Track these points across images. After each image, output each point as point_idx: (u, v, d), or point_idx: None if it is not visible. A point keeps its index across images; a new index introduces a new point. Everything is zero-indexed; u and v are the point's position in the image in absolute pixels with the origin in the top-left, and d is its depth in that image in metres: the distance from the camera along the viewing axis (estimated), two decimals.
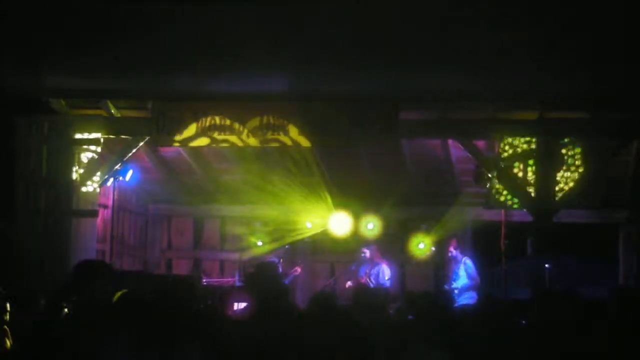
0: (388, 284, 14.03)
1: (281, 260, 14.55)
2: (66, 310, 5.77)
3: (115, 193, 13.51)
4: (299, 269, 14.90)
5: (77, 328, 5.43)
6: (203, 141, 12.24)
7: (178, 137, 12.23)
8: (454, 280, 13.79)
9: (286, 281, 14.14)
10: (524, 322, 7.29)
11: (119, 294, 5.87)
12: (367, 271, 14.03)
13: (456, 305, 12.16)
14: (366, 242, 14.61)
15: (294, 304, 7.23)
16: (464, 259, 13.94)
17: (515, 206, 12.26)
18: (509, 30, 8.92)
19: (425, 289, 12.91)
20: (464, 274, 13.81)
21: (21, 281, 10.91)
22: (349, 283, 14.25)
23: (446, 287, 13.81)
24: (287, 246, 15.09)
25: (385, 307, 8.01)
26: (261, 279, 6.23)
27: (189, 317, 5.74)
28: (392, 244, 15.34)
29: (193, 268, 15.76)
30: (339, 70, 10.26)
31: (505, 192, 12.27)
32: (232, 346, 5.72)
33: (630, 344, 6.36)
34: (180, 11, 8.66)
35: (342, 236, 15.13)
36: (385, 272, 14.12)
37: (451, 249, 14.02)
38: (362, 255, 14.30)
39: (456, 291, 13.31)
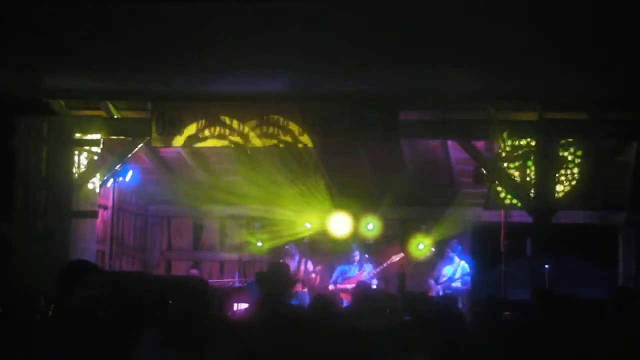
0: (377, 283, 14.12)
1: (284, 258, 14.53)
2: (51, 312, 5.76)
3: (115, 194, 13.51)
4: (395, 258, 14.62)
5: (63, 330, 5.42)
6: (203, 142, 12.24)
7: (178, 138, 12.23)
8: (450, 281, 13.84)
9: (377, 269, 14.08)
10: (523, 322, 7.29)
11: None
12: (361, 273, 14.08)
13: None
14: (356, 244, 14.63)
15: (298, 306, 7.22)
16: (461, 262, 13.98)
17: (513, 205, 12.25)
18: (508, 31, 8.92)
19: (424, 290, 12.95)
20: (459, 278, 13.86)
21: (21, 282, 10.92)
22: (331, 286, 14.26)
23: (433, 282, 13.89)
24: (287, 247, 15.06)
25: (385, 309, 8.01)
26: (273, 279, 6.22)
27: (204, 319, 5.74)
28: (391, 245, 15.34)
29: (191, 269, 15.68)
30: (339, 70, 10.26)
31: (504, 193, 12.26)
32: (231, 347, 5.71)
33: (630, 344, 6.37)
34: (180, 11, 8.66)
35: (341, 236, 15.13)
36: (372, 274, 14.19)
37: (449, 250, 14.07)
38: (354, 257, 14.31)
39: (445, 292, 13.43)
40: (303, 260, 14.59)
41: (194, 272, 15.38)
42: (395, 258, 14.40)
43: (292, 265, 14.35)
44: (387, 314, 7.81)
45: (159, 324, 5.66)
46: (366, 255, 14.47)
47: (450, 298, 8.37)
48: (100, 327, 5.49)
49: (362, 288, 8.70)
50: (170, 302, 6.37)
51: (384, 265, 14.34)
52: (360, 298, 8.30)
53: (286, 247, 14.96)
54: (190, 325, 5.47)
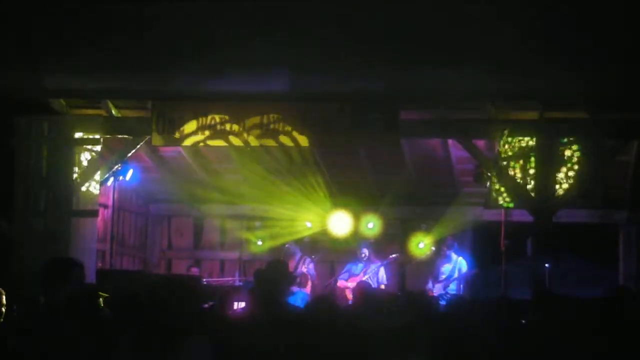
0: (386, 283, 14.14)
1: (285, 257, 14.56)
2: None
3: (116, 193, 13.52)
4: (391, 257, 14.64)
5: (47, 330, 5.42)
6: (203, 141, 12.24)
7: (178, 137, 12.23)
8: (449, 279, 13.87)
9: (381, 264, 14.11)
10: (523, 322, 7.29)
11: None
12: (365, 270, 14.10)
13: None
14: (364, 241, 14.63)
15: (296, 305, 7.21)
16: (459, 259, 14.01)
17: (513, 205, 12.26)
18: (509, 31, 8.92)
19: (423, 289, 12.96)
20: (456, 274, 13.90)
21: (21, 282, 10.92)
22: (338, 282, 14.30)
23: (432, 285, 13.92)
24: (287, 245, 15.09)
25: (386, 308, 8.01)
26: (271, 277, 6.21)
27: (189, 317, 5.74)
28: (391, 244, 15.35)
29: (191, 267, 15.65)
30: (339, 70, 10.25)
31: (505, 192, 12.26)
32: (230, 347, 5.72)
33: (630, 344, 6.37)
34: (180, 10, 8.67)
35: (342, 236, 15.14)
36: (382, 273, 14.19)
37: (445, 248, 14.11)
38: (362, 255, 14.31)
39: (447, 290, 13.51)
40: (303, 259, 14.61)
41: (194, 270, 15.37)
42: (391, 258, 14.43)
43: (293, 264, 14.38)
44: (386, 314, 7.82)
45: (146, 322, 5.66)
46: (366, 255, 14.45)
47: (459, 301, 8.33)
48: (88, 326, 5.50)
49: (362, 288, 8.68)
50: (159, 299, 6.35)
51: (382, 264, 14.37)
52: (359, 298, 8.30)
53: (286, 245, 14.99)
54: (175, 322, 5.48)
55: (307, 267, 14.61)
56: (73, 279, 5.61)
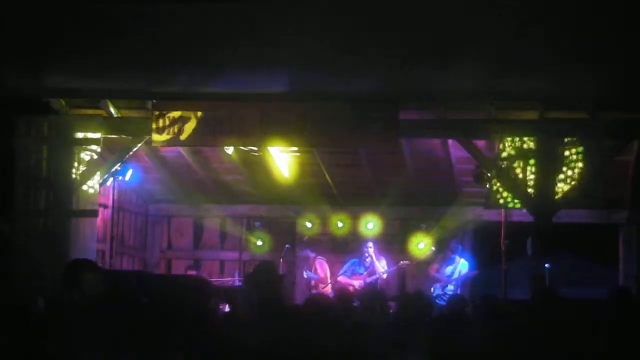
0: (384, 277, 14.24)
1: (282, 260, 14.58)
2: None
3: (115, 193, 13.52)
4: (402, 264, 14.70)
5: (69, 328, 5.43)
6: (203, 141, 12.24)
7: (178, 137, 12.23)
8: (449, 280, 13.90)
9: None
10: (523, 322, 7.31)
11: None
12: (370, 272, 14.14)
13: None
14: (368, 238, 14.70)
15: (291, 305, 7.23)
16: (461, 260, 14.04)
17: (514, 206, 12.27)
18: (508, 31, 8.92)
19: (421, 290, 12.98)
20: (456, 275, 13.93)
21: (21, 282, 10.93)
22: (340, 278, 14.36)
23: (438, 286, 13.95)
24: (287, 245, 15.11)
25: (384, 308, 8.03)
26: (260, 279, 6.21)
27: (187, 318, 5.75)
28: (391, 244, 15.37)
29: (188, 268, 15.63)
30: (339, 70, 10.25)
31: (505, 192, 12.26)
32: (227, 347, 5.72)
33: (630, 344, 6.38)
34: (180, 11, 8.66)
35: (342, 236, 15.15)
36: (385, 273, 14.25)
37: (449, 251, 14.15)
38: (367, 248, 14.33)
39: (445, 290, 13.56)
40: (314, 260, 14.68)
41: (193, 273, 15.36)
42: (402, 265, 14.50)
43: (306, 266, 14.50)
44: (387, 314, 7.83)
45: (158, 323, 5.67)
46: (367, 254, 14.44)
47: (458, 301, 8.36)
48: (100, 326, 5.50)
49: (340, 292, 8.68)
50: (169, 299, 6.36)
51: (388, 270, 14.42)
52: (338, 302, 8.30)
53: (286, 246, 15.02)
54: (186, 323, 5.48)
55: (320, 268, 14.69)
56: (95, 278, 5.65)
